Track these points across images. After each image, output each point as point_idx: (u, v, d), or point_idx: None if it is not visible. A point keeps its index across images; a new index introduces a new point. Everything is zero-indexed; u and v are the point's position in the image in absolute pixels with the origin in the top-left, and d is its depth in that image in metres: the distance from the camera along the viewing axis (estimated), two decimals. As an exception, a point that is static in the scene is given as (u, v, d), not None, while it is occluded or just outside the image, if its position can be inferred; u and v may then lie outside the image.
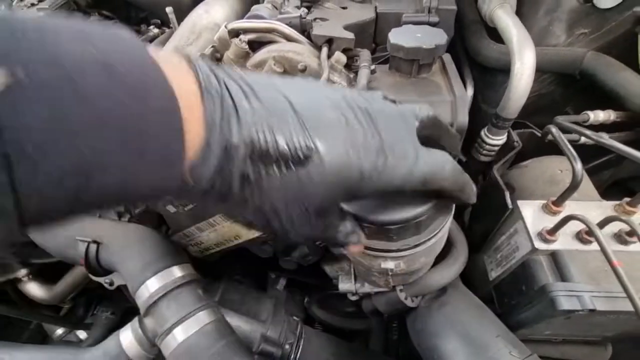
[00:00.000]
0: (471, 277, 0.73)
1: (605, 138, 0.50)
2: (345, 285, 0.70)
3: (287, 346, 0.75)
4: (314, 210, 0.28)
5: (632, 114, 0.64)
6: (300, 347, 0.77)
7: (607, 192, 0.78)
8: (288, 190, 0.26)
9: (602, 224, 0.45)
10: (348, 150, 0.27)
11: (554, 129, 0.53)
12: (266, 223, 0.28)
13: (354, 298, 0.72)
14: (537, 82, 0.78)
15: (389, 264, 0.50)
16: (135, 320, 0.50)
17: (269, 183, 0.25)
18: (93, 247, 0.52)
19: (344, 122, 0.27)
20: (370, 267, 0.53)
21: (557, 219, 0.51)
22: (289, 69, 0.61)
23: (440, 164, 0.32)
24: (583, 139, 0.63)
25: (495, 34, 0.75)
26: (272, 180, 0.25)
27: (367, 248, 0.47)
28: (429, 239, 0.46)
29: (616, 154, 0.79)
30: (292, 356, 0.74)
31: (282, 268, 0.86)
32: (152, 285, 0.49)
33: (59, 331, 1.12)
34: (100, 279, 0.64)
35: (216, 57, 0.69)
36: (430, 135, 0.33)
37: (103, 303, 1.22)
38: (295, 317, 0.83)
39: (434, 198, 0.40)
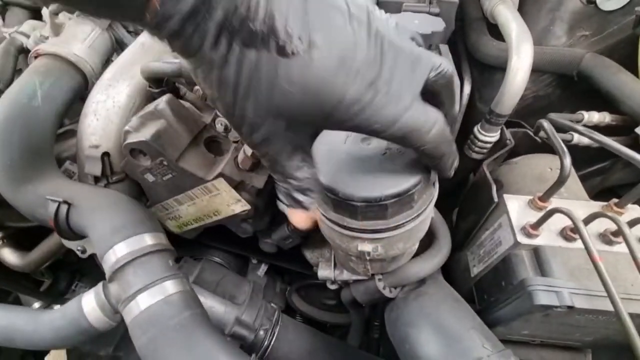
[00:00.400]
0: (453, 275, 0.72)
1: (596, 134, 0.49)
2: (324, 272, 0.68)
3: (261, 332, 0.73)
4: (275, 114, 0.26)
5: (626, 118, 0.63)
6: (276, 334, 0.75)
7: (595, 198, 0.77)
8: (260, 76, 0.24)
9: (588, 220, 0.44)
10: (339, 66, 0.25)
11: (545, 123, 0.52)
12: (226, 102, 0.26)
13: (332, 286, 0.71)
14: (535, 83, 0.77)
15: (366, 247, 0.48)
16: (100, 285, 0.48)
17: (243, 57, 0.23)
18: (64, 207, 0.50)
19: (351, 36, 0.25)
20: (348, 250, 0.52)
21: (541, 215, 0.50)
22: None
23: (429, 123, 0.29)
24: (576, 138, 0.62)
25: (496, 32, 0.74)
26: (247, 56, 0.23)
27: (346, 227, 0.45)
28: (415, 217, 0.45)
29: (606, 162, 0.79)
30: (265, 342, 0.73)
31: (264, 254, 0.84)
32: (119, 250, 0.47)
33: (36, 305, 1.11)
34: (72, 245, 0.62)
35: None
36: (434, 90, 0.30)
37: (84, 280, 1.20)
38: (273, 305, 0.81)
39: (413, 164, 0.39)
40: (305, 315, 1.05)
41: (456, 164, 0.36)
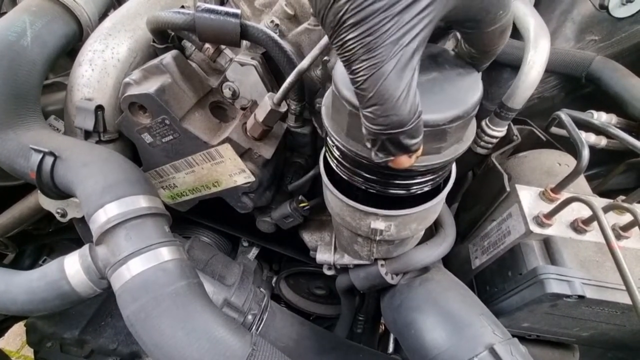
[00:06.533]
0: (451, 268, 0.71)
1: (613, 128, 0.49)
2: (323, 256, 0.65)
3: (249, 316, 0.70)
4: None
5: (632, 123, 0.64)
6: (264, 319, 0.72)
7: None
8: None
9: (606, 210, 0.44)
10: None
11: (563, 115, 0.52)
12: None
13: (329, 272, 0.68)
14: (542, 84, 0.77)
15: (379, 225, 0.46)
16: (86, 246, 0.43)
17: None
18: (49, 159, 0.45)
19: None
20: (357, 229, 0.49)
21: (554, 206, 0.49)
22: (300, 13, 0.57)
23: None
24: (584, 137, 0.62)
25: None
26: None
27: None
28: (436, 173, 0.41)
29: (605, 167, 0.81)
30: (253, 327, 0.69)
31: (256, 236, 0.81)
32: (111, 210, 0.43)
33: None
34: (52, 207, 0.57)
35: (223, -11, 0.64)
36: None
37: (53, 256, 1.12)
38: (262, 290, 0.78)
39: None
40: (291, 304, 1.02)
41: None
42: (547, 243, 0.49)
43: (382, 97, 0.26)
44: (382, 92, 0.26)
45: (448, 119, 0.33)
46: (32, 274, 0.42)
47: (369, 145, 0.31)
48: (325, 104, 0.42)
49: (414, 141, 0.29)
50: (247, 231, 0.81)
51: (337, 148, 0.41)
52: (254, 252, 0.86)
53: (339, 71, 0.37)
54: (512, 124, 0.72)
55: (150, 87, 0.48)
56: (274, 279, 0.97)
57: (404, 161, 0.31)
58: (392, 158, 0.31)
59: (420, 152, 0.32)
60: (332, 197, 0.49)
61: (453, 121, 0.34)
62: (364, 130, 0.30)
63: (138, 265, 0.40)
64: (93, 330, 1.00)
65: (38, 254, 1.10)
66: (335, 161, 0.43)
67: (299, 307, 1.01)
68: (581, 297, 0.44)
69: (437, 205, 0.47)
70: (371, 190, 0.42)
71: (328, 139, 0.43)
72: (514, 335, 0.60)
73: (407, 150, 0.30)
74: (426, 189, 0.43)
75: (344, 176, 0.43)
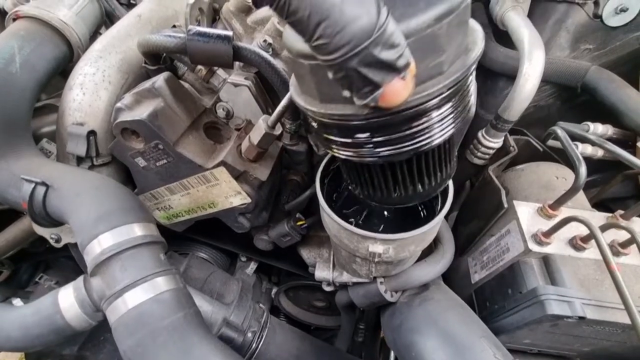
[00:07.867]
0: (451, 281, 0.70)
1: (609, 144, 0.49)
2: (322, 273, 0.65)
3: (249, 334, 0.69)
4: None
5: (627, 133, 0.64)
6: (264, 336, 0.71)
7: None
8: None
9: (603, 229, 0.44)
10: None
11: (559, 130, 0.52)
12: None
13: (328, 288, 0.68)
14: (537, 93, 0.77)
15: (378, 248, 0.46)
16: (80, 279, 0.43)
17: None
18: (41, 189, 0.44)
19: None
20: (355, 251, 0.49)
21: (552, 223, 0.49)
22: (294, 30, 0.56)
23: None
24: (580, 149, 0.62)
25: (502, 40, 0.74)
26: None
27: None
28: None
29: (604, 175, 0.81)
30: (253, 345, 0.69)
31: (254, 251, 0.80)
32: (105, 241, 0.42)
33: (-8, 298, 1.00)
34: (46, 233, 0.56)
35: (214, 7, 0.64)
36: None
37: (49, 272, 1.11)
38: (261, 305, 0.77)
39: None
40: (291, 316, 1.01)
41: None
42: (546, 261, 0.49)
43: (320, 8, 0.21)
44: (316, 2, 0.21)
45: (432, 17, 0.26)
46: (26, 309, 0.41)
47: (346, 92, 0.26)
48: (291, 84, 0.38)
49: (394, 52, 0.23)
50: (245, 247, 0.80)
51: (323, 125, 0.34)
52: (252, 266, 0.86)
53: (285, 34, 0.32)
54: (508, 135, 0.72)
55: (143, 112, 0.47)
56: (274, 291, 0.97)
57: (399, 89, 0.24)
58: (381, 91, 0.24)
59: (413, 67, 0.25)
60: (330, 220, 0.48)
61: (440, 19, 0.26)
62: (330, 75, 0.25)
63: (134, 297, 0.40)
64: (92, 346, 0.99)
65: (34, 271, 1.10)
66: (335, 146, 0.35)
67: (299, 319, 1.00)
68: (582, 318, 0.43)
69: (434, 228, 0.47)
70: (395, 159, 0.34)
71: (312, 122, 0.36)
72: (515, 350, 0.60)
73: (394, 68, 0.23)
74: (450, 130, 0.33)
75: (353, 158, 0.35)
